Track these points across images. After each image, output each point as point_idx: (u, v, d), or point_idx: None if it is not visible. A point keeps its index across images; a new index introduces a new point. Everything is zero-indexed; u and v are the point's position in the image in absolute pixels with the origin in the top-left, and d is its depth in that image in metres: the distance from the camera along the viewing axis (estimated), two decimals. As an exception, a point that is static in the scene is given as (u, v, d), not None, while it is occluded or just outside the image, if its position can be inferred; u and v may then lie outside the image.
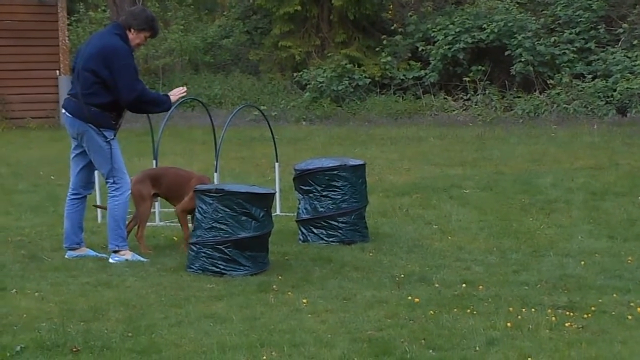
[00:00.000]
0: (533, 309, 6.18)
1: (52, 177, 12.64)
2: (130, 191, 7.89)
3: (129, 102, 7.71)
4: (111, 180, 7.81)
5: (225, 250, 7.25)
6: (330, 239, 8.41)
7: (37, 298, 6.66)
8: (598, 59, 20.24)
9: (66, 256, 7.97)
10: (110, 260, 7.78)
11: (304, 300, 6.47)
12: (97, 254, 8.00)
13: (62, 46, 21.13)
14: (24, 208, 10.30)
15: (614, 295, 6.52)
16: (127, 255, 7.80)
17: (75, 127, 7.82)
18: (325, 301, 6.49)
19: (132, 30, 7.80)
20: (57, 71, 21.02)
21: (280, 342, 5.57)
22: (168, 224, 9.34)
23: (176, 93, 8.06)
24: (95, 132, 7.74)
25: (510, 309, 6.19)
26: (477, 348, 5.46)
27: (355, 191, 8.53)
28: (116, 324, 6.00)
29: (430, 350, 5.44)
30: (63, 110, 7.93)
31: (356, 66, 21.95)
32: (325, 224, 8.43)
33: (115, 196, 7.82)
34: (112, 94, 7.70)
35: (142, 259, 7.78)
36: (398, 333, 5.74)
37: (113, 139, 7.80)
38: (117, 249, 7.81)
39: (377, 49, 22.40)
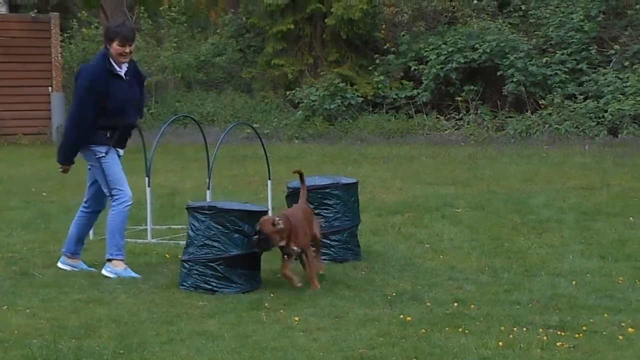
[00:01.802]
0: (524, 329, 6.19)
1: (43, 193, 12.63)
2: (130, 204, 7.91)
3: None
4: (109, 194, 7.91)
5: (218, 268, 7.25)
6: (323, 257, 8.40)
7: (28, 314, 6.65)
8: (590, 80, 20.32)
9: (59, 262, 8.03)
10: (103, 271, 7.86)
11: (296, 318, 6.47)
12: (88, 268, 8.04)
13: (55, 63, 21.15)
14: (16, 225, 10.28)
15: (605, 315, 6.53)
16: (120, 267, 7.85)
17: None
18: (317, 319, 6.49)
19: (108, 45, 7.89)
20: (50, 88, 21.03)
21: (272, 360, 5.56)
22: (160, 241, 9.33)
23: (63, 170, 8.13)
24: (87, 148, 7.88)
25: (502, 328, 6.19)
26: (469, 367, 5.47)
27: (348, 209, 8.53)
28: (108, 341, 5.99)
29: (422, 369, 5.45)
30: None
31: (349, 85, 21.99)
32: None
33: (112, 207, 7.95)
34: (99, 112, 7.80)
35: (135, 275, 7.79)
36: (390, 351, 5.73)
37: (104, 155, 7.86)
38: (110, 257, 7.90)
39: (370, 68, 22.45)
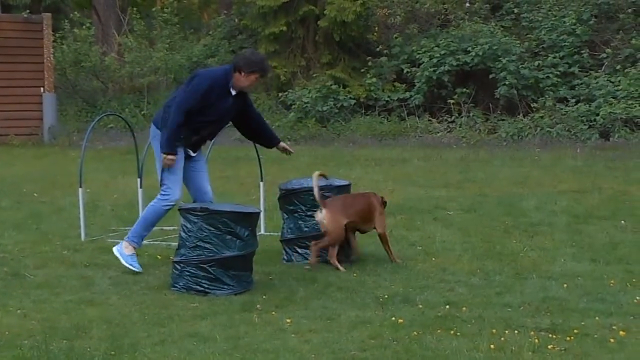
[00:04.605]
0: (516, 331, 6.19)
1: (35, 194, 12.60)
2: (172, 204, 7.99)
3: None
4: (160, 184, 8.05)
5: (210, 269, 7.24)
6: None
7: (19, 315, 6.64)
8: (581, 84, 20.38)
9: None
10: (114, 248, 8.08)
11: (288, 320, 6.47)
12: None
13: (47, 63, 21.12)
14: (7, 225, 10.26)
15: (597, 318, 6.54)
16: (128, 251, 8.00)
17: (150, 133, 8.20)
18: (309, 321, 6.48)
19: (242, 73, 7.86)
20: (42, 88, 21.00)
21: (263, 362, 5.56)
22: (152, 242, 9.32)
23: (168, 161, 7.96)
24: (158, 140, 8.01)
25: (494, 330, 6.20)
26: (461, 369, 5.47)
27: (340, 211, 8.52)
28: (99, 342, 5.98)
29: (414, 371, 5.45)
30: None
31: (341, 87, 22.01)
32: (310, 244, 8.43)
33: (156, 199, 8.05)
34: (195, 114, 7.86)
35: (135, 268, 7.93)
36: (382, 354, 5.74)
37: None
38: (126, 239, 8.07)
39: (362, 70, 22.48)
